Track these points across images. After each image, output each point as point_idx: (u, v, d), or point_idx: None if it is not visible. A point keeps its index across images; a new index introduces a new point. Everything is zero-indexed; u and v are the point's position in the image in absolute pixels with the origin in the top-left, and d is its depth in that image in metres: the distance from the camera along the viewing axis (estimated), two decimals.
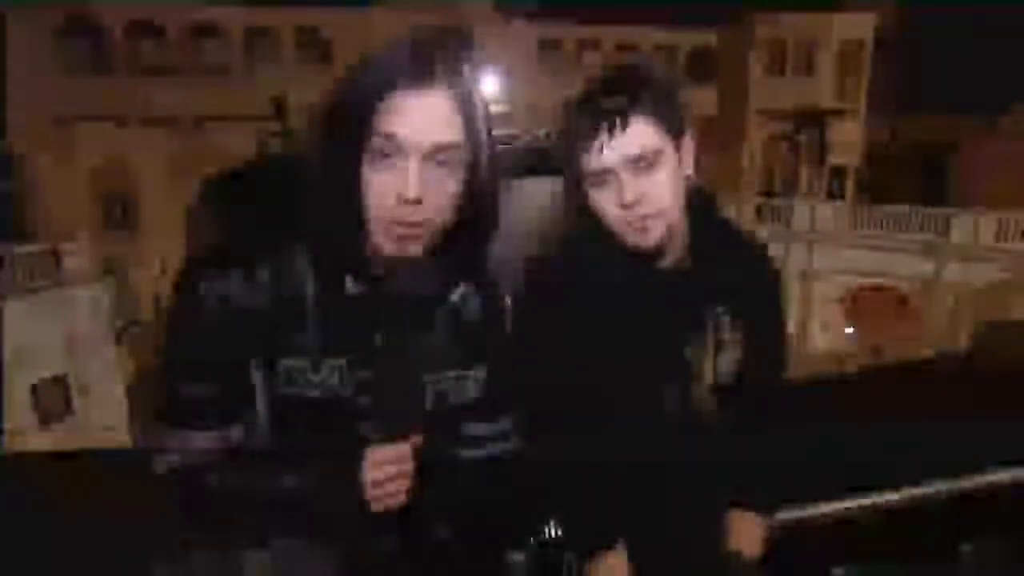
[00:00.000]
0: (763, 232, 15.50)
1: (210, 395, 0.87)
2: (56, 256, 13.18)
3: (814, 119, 20.55)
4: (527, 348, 1.07)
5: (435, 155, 0.83)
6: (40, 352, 12.06)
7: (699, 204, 1.11)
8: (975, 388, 2.25)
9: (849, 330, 17.32)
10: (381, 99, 0.82)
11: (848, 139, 20.91)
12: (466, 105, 0.85)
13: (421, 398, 0.95)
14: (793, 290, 16.44)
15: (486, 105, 0.89)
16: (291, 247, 0.89)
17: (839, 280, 16.97)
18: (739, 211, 17.58)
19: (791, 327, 14.99)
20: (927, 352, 13.49)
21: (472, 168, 0.87)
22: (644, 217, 1.00)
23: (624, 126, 0.97)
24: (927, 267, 15.77)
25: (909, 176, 22.01)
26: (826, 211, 17.73)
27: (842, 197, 20.41)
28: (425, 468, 0.89)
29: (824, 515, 1.56)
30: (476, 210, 0.90)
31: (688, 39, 21.84)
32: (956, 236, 15.72)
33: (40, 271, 12.75)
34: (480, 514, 1.01)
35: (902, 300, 16.43)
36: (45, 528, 1.47)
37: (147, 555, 1.01)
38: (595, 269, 1.08)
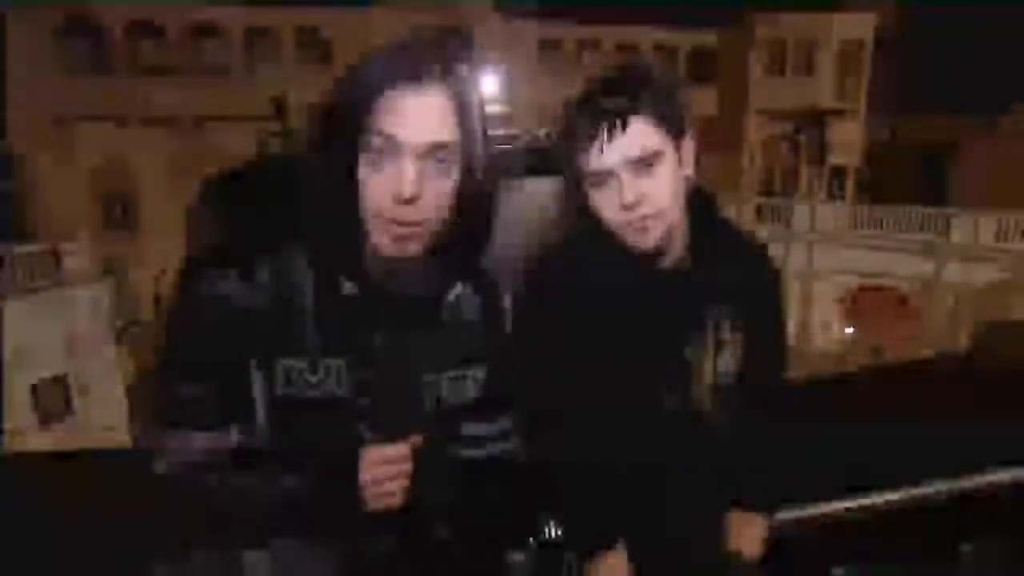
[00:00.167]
0: (763, 232, 15.49)
1: (209, 395, 0.87)
2: (56, 256, 13.17)
3: (814, 119, 20.54)
4: (527, 348, 1.07)
5: (431, 154, 0.84)
6: (40, 352, 12.05)
7: (699, 204, 1.11)
8: (975, 388, 2.25)
9: (849, 330, 17.32)
10: (377, 98, 0.82)
11: (848, 139, 20.91)
12: (462, 104, 0.85)
13: (420, 398, 0.95)
14: (793, 290, 16.43)
15: (482, 104, 0.89)
16: (291, 247, 0.90)
17: (839, 280, 16.97)
18: (739, 211, 17.59)
19: (791, 327, 15.01)
20: (927, 352, 13.49)
21: (469, 167, 0.88)
22: (644, 217, 1.00)
23: (624, 127, 0.97)
24: (927, 267, 15.77)
25: (909, 176, 22.00)
26: (826, 211, 17.73)
27: (842, 197, 20.42)
28: (424, 468, 0.89)
29: (824, 515, 1.56)
30: (473, 209, 0.90)
31: (688, 39, 21.83)
32: (956, 236, 15.71)
33: (40, 271, 12.74)
34: (480, 514, 1.01)
35: (902, 300, 16.43)
36: (45, 528, 1.47)
37: (147, 555, 1.01)
38: (595, 269, 1.08)
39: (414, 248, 0.87)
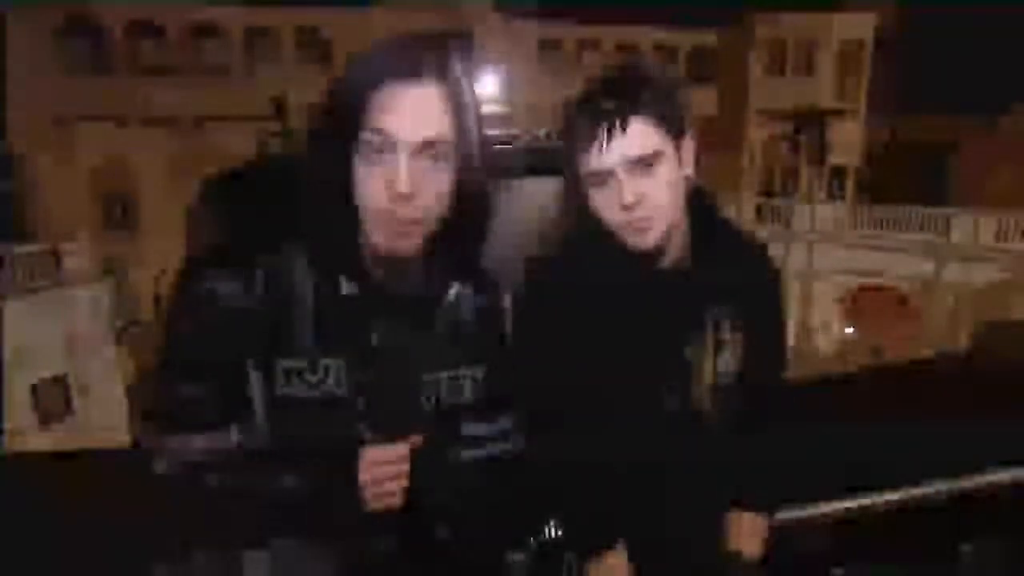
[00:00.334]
0: (763, 232, 15.50)
1: (209, 395, 0.87)
2: (56, 256, 13.17)
3: (814, 119, 20.54)
4: (527, 348, 1.07)
5: (426, 150, 0.84)
6: (40, 352, 12.05)
7: (699, 204, 1.11)
8: (975, 388, 2.25)
9: (849, 330, 17.32)
10: (372, 95, 0.82)
11: (848, 139, 20.91)
12: (457, 100, 0.86)
13: (419, 398, 0.95)
14: (793, 290, 16.43)
15: (478, 101, 0.89)
16: (290, 247, 0.90)
17: (839, 280, 16.97)
18: (739, 211, 17.58)
19: (791, 327, 15.02)
20: (927, 352, 13.49)
21: (465, 164, 0.88)
22: (643, 218, 1.00)
23: (624, 127, 0.97)
24: (927, 267, 15.77)
25: (909, 176, 21.99)
26: (826, 211, 17.73)
27: (842, 197, 20.41)
28: (424, 468, 0.89)
29: (824, 515, 1.56)
30: (470, 207, 0.90)
31: (688, 39, 21.83)
32: (956, 236, 15.71)
33: (40, 271, 12.74)
34: (480, 514, 1.01)
35: (902, 300, 16.43)
36: (45, 528, 1.47)
37: (147, 555, 1.01)
38: (595, 269, 1.08)
39: (412, 245, 0.87)
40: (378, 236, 0.86)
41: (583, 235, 1.09)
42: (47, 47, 16.41)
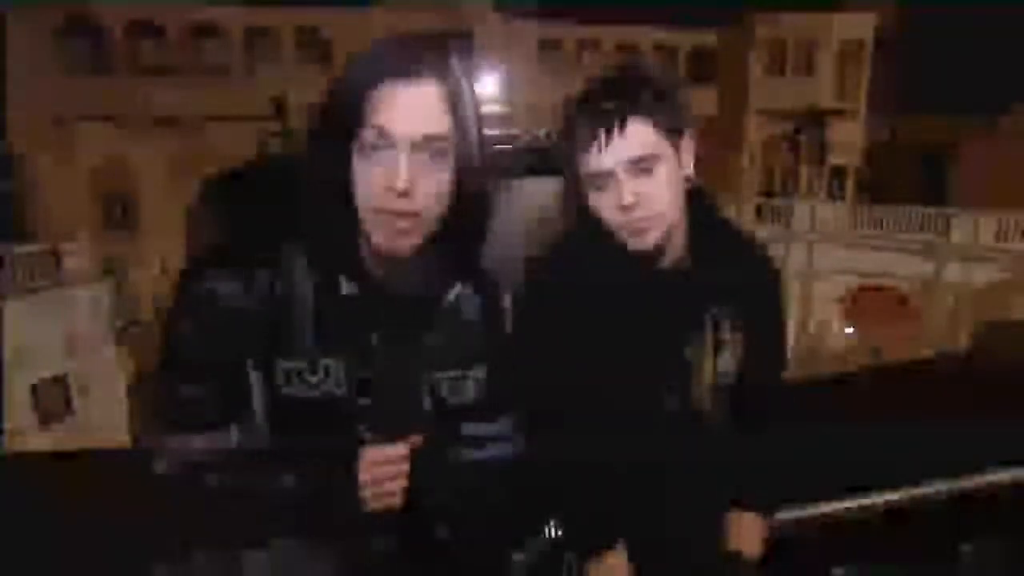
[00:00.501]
0: (763, 232, 15.50)
1: (209, 395, 0.87)
2: (56, 256, 13.17)
3: (814, 119, 20.54)
4: (527, 348, 1.07)
5: (424, 147, 0.84)
6: (40, 352, 12.05)
7: (699, 204, 1.11)
8: (975, 388, 2.25)
9: (849, 330, 17.31)
10: (370, 92, 0.82)
11: (848, 139, 20.91)
12: (455, 97, 0.85)
13: (419, 398, 0.95)
14: (793, 290, 16.43)
15: (477, 98, 0.89)
16: (290, 247, 0.90)
17: (839, 280, 16.97)
18: (739, 211, 17.58)
19: (791, 327, 15.01)
20: (927, 352, 13.48)
21: (464, 163, 0.88)
22: (643, 218, 1.00)
23: (622, 128, 0.97)
24: (927, 267, 15.77)
25: (909, 176, 22.00)
26: (826, 211, 17.73)
27: (842, 197, 20.41)
28: (424, 468, 0.89)
29: (824, 515, 1.56)
30: (470, 206, 0.90)
31: (688, 39, 21.83)
32: (956, 236, 15.72)
33: (40, 271, 12.73)
34: (480, 514, 1.01)
35: (902, 300, 16.43)
36: (45, 528, 1.47)
37: (147, 555, 1.01)
38: (595, 269, 1.08)
39: (412, 243, 0.87)
40: (378, 236, 0.86)
41: (583, 235, 1.09)
42: (47, 47, 16.41)
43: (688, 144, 1.05)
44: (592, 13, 21.20)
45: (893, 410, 2.00)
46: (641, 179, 0.99)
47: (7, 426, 11.17)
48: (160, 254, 16.02)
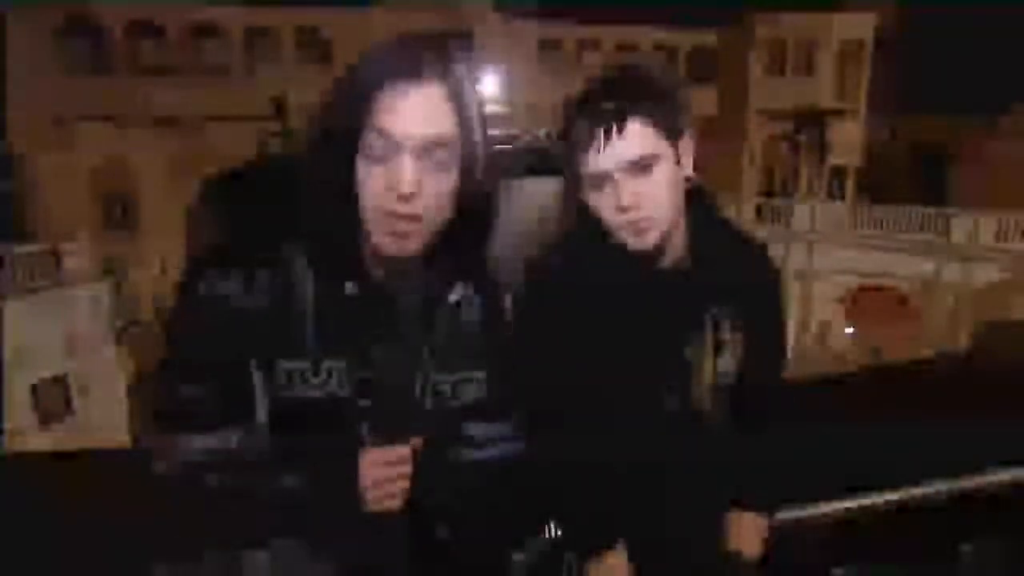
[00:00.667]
0: (763, 232, 15.49)
1: (210, 395, 0.87)
2: (56, 256, 13.17)
3: (814, 119, 20.54)
4: (527, 348, 1.07)
5: (428, 150, 0.83)
6: (40, 352, 12.05)
7: (699, 204, 1.11)
8: (975, 388, 2.25)
9: (849, 330, 17.31)
10: (373, 95, 0.82)
11: (848, 139, 20.91)
12: (459, 100, 0.85)
13: (420, 399, 0.95)
14: (793, 290, 16.43)
15: (480, 101, 0.88)
16: (291, 247, 0.89)
17: (839, 280, 16.97)
18: (739, 211, 17.58)
19: (791, 327, 15.02)
20: (927, 352, 13.49)
21: (468, 165, 0.87)
22: (642, 219, 1.00)
23: (622, 129, 0.97)
24: (927, 267, 15.77)
25: (909, 176, 22.01)
26: (826, 211, 17.73)
27: (842, 197, 20.41)
28: (425, 469, 0.89)
29: (824, 515, 1.56)
30: (473, 208, 0.90)
31: (688, 39, 21.83)
32: (956, 236, 15.72)
33: (40, 271, 12.73)
34: (480, 514, 1.01)
35: (902, 300, 16.43)
36: (45, 528, 1.47)
37: (147, 555, 1.01)
38: (595, 269, 1.08)
39: (414, 246, 0.87)
40: (379, 237, 0.86)
41: (583, 235, 1.09)
42: (47, 47, 16.41)
43: (688, 144, 1.05)
44: (592, 13, 21.25)
45: (893, 410, 2.00)
46: (640, 179, 0.99)
47: (7, 426, 11.17)
48: (160, 254, 16.04)
